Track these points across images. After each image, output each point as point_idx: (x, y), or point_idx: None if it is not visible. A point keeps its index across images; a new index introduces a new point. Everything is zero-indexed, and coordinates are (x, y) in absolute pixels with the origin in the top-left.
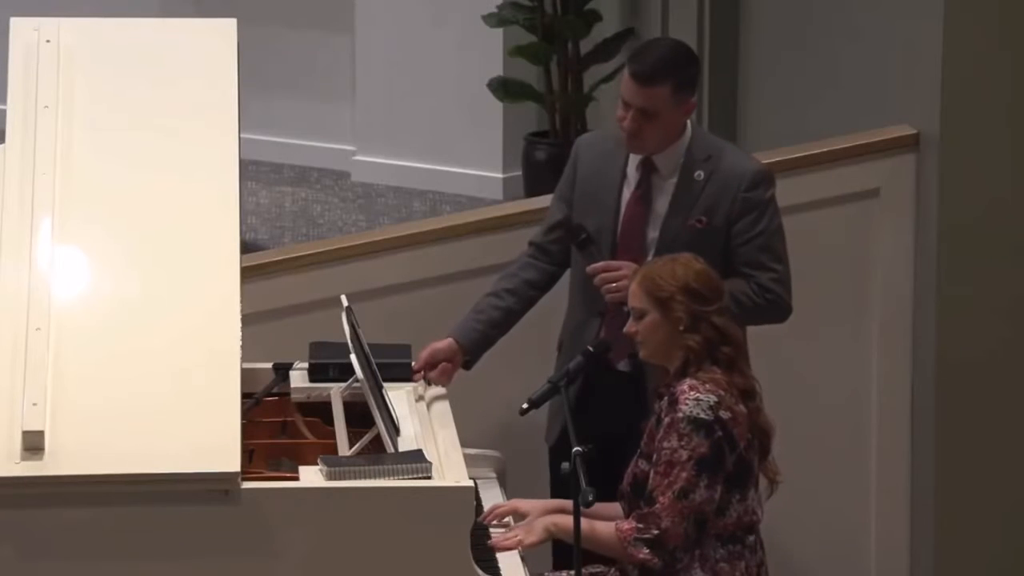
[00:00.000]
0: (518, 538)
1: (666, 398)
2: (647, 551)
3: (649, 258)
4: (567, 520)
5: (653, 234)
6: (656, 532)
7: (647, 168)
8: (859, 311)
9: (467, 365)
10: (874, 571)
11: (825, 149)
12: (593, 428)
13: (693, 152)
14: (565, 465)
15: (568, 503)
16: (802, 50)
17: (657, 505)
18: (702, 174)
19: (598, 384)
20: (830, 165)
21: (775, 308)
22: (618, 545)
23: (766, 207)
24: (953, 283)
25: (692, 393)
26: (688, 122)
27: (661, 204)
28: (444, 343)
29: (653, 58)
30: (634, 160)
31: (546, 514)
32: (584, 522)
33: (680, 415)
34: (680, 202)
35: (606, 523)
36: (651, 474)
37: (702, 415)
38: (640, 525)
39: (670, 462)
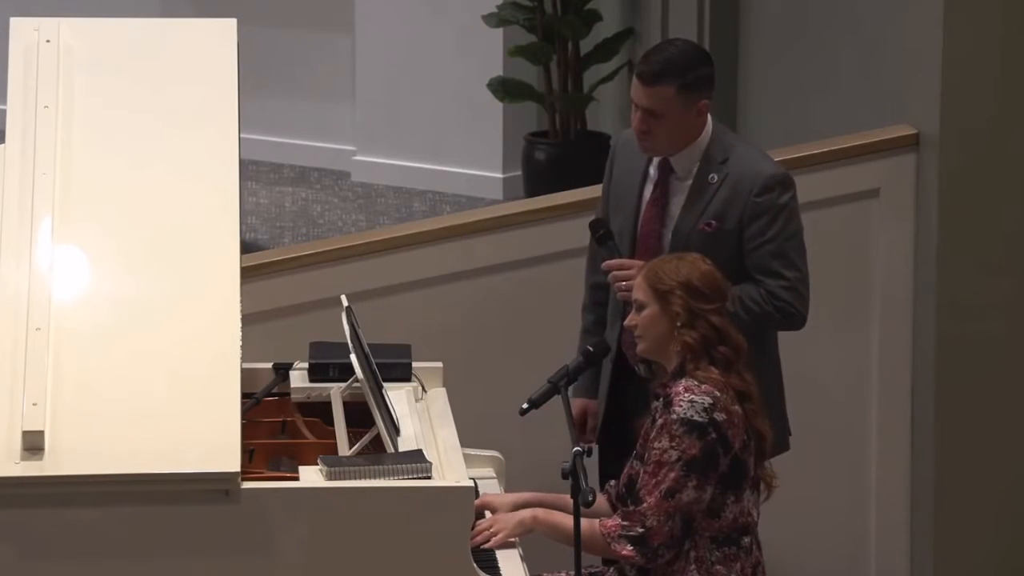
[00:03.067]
0: (493, 529)
1: (662, 399)
2: (631, 548)
3: None
4: (547, 515)
5: (668, 236)
6: (641, 530)
7: (664, 169)
8: (859, 311)
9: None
10: (874, 571)
11: (825, 149)
12: (618, 431)
13: (711, 153)
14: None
15: (536, 497)
16: (802, 50)
17: (643, 504)
18: (716, 177)
19: (621, 387)
20: (830, 165)
21: (785, 316)
22: (601, 541)
23: (779, 212)
24: (953, 283)
25: (687, 395)
26: (709, 122)
27: (675, 206)
28: (579, 407)
29: (659, 58)
30: (656, 160)
31: (515, 508)
32: (564, 517)
33: (674, 416)
34: (692, 204)
35: (590, 520)
36: (641, 473)
37: (696, 417)
38: (624, 522)
39: (659, 462)
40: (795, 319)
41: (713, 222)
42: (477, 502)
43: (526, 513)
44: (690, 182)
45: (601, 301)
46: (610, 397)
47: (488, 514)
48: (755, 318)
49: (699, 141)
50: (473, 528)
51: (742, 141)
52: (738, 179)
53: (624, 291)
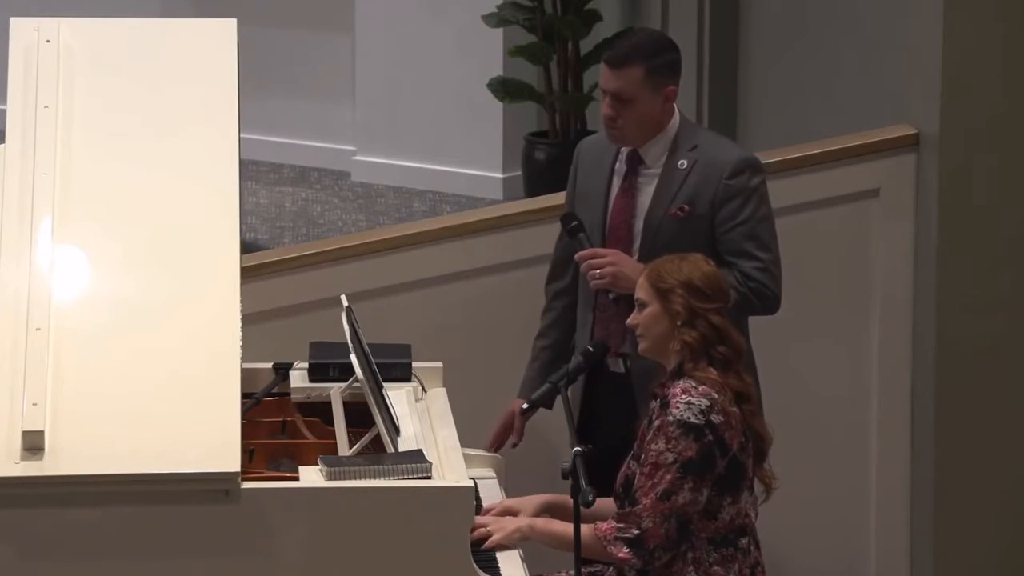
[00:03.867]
0: (487, 530)
1: (659, 400)
2: (627, 550)
3: (636, 247)
4: (545, 524)
5: (639, 224)
6: (636, 532)
7: (633, 160)
8: (859, 311)
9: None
10: (874, 571)
11: (825, 149)
12: (594, 431)
13: (679, 142)
14: (565, 465)
15: (561, 498)
16: (802, 50)
17: (639, 506)
18: (685, 163)
19: (595, 387)
20: (830, 165)
21: (760, 298)
22: (597, 544)
23: (750, 195)
24: (953, 283)
25: (684, 397)
26: (677, 114)
27: (645, 195)
28: (508, 410)
29: (625, 43)
30: (623, 154)
31: (538, 511)
32: (563, 526)
33: (671, 418)
34: (663, 191)
35: (586, 525)
36: (637, 475)
37: (692, 419)
38: (620, 525)
39: (655, 464)
40: (770, 301)
41: (685, 207)
42: (500, 507)
43: (524, 522)
44: (659, 170)
45: (559, 307)
46: (585, 396)
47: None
48: (732, 303)
49: (667, 130)
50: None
51: (709, 130)
52: (708, 163)
53: (598, 279)
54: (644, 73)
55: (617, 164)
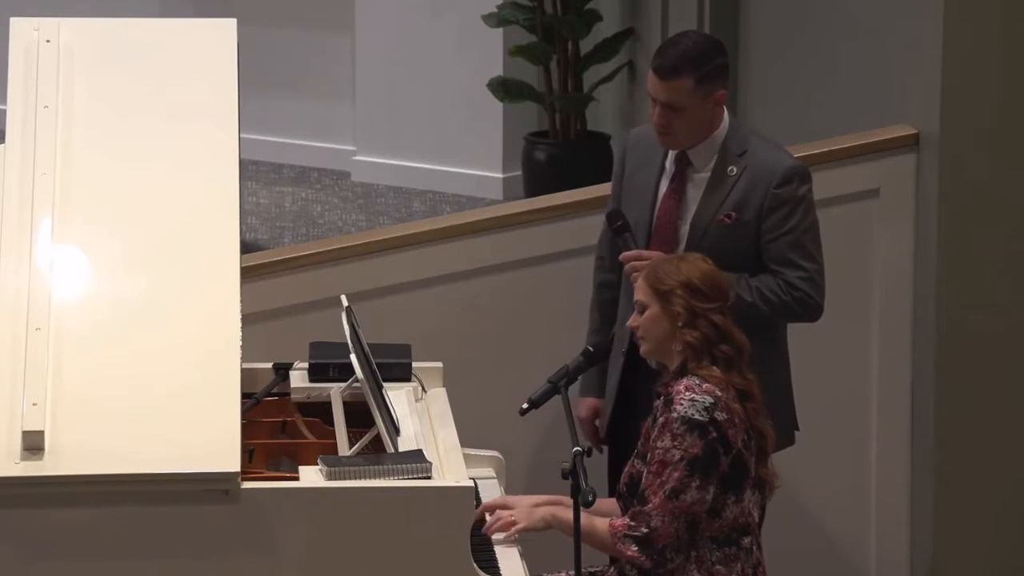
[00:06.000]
0: (513, 518)
1: (663, 398)
2: (635, 548)
3: (680, 250)
4: (566, 514)
5: (685, 228)
6: (645, 531)
7: (682, 162)
8: (859, 311)
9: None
10: (874, 571)
11: (825, 149)
12: (627, 424)
13: (728, 146)
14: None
15: (560, 498)
16: (802, 50)
17: (649, 504)
18: (735, 169)
19: (631, 379)
20: (830, 165)
21: (803, 306)
22: (609, 540)
23: (798, 204)
24: (953, 283)
25: (688, 394)
26: (725, 115)
27: (693, 198)
28: (590, 407)
29: (674, 52)
30: (672, 153)
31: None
32: (586, 517)
33: (675, 415)
34: (711, 196)
35: (603, 519)
36: (644, 473)
37: (697, 416)
38: (632, 523)
39: (663, 462)
40: (813, 310)
41: (733, 214)
42: (497, 502)
43: (547, 510)
44: (708, 175)
45: (607, 300)
46: (619, 394)
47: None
48: (774, 309)
49: (717, 134)
50: (485, 521)
51: (758, 134)
52: (757, 171)
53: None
54: (694, 83)
55: (667, 164)
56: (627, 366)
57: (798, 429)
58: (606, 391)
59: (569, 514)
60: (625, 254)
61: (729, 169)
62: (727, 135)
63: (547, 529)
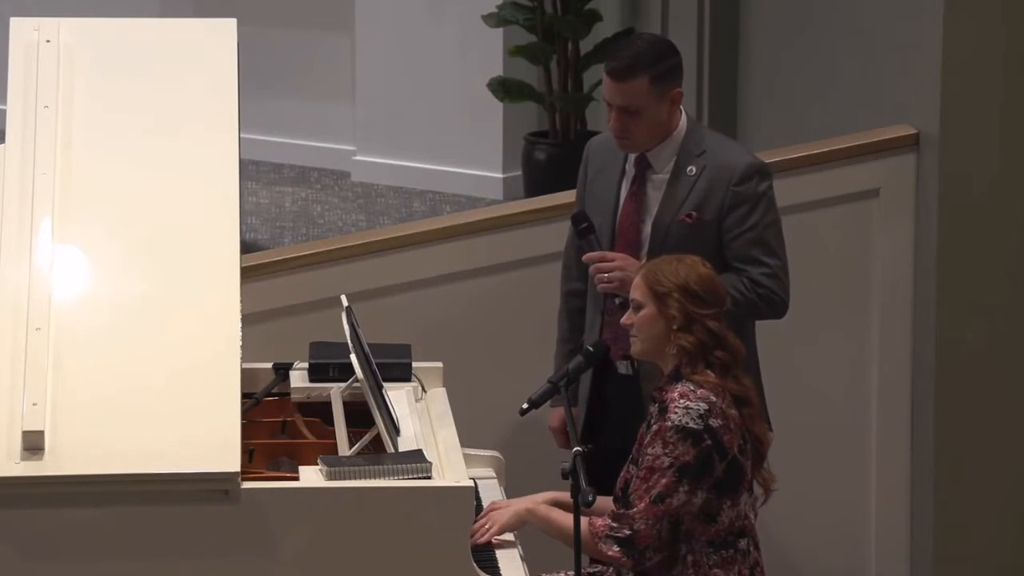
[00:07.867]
0: (488, 524)
1: (657, 404)
2: (617, 549)
3: (644, 252)
4: (546, 511)
5: (647, 229)
6: (628, 532)
7: (641, 164)
8: (859, 311)
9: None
10: (874, 571)
11: (825, 149)
12: (600, 431)
13: (687, 146)
14: (565, 465)
15: (563, 496)
16: (802, 50)
17: (633, 509)
18: (694, 169)
19: (602, 387)
20: (830, 165)
21: (768, 303)
22: (590, 539)
23: (758, 201)
24: (953, 283)
25: (682, 401)
26: (683, 116)
27: (654, 199)
28: (556, 418)
29: (627, 54)
30: (632, 156)
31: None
32: (562, 515)
33: (669, 423)
34: (671, 197)
35: (586, 518)
36: (633, 479)
37: (691, 424)
38: (614, 524)
39: (651, 468)
40: (778, 306)
41: (693, 213)
42: (489, 507)
43: (523, 505)
44: (667, 175)
45: (575, 308)
46: (591, 398)
47: None
48: (740, 308)
49: (675, 135)
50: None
51: (715, 132)
52: (716, 170)
53: (606, 283)
54: (649, 82)
55: (627, 167)
56: (596, 371)
57: (771, 430)
58: (578, 398)
59: (549, 511)
60: (589, 255)
61: (688, 169)
62: (685, 135)
63: (523, 525)
